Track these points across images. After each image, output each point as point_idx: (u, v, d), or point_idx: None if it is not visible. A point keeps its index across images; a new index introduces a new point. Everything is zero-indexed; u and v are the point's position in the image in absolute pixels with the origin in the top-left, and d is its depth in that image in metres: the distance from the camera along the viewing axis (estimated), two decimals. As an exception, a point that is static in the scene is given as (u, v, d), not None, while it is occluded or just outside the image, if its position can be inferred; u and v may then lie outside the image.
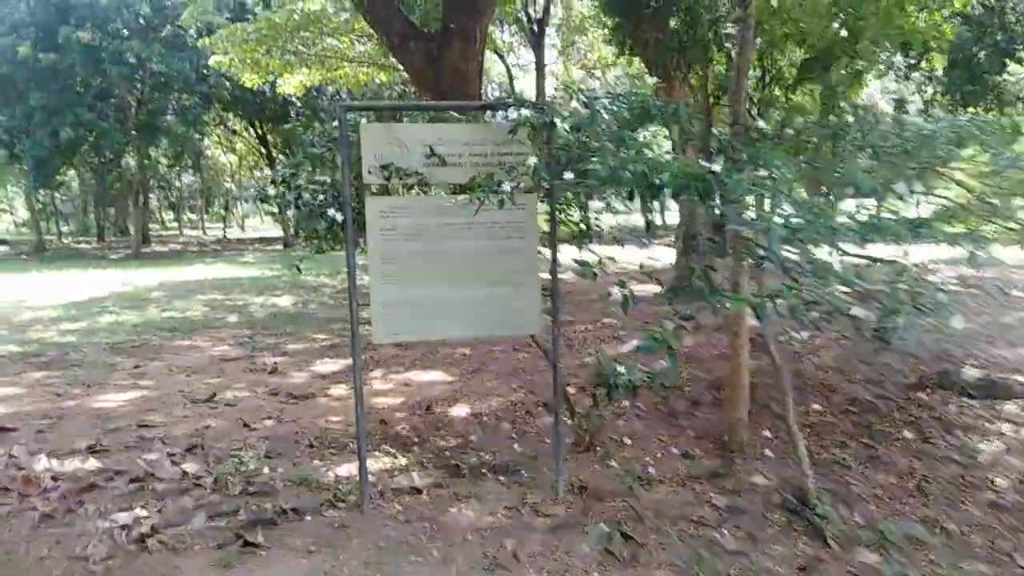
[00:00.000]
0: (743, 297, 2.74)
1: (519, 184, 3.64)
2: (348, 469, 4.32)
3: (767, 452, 4.32)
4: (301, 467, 4.41)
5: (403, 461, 4.50)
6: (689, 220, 12.27)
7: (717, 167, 2.77)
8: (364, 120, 3.89)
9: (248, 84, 19.02)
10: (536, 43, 23.42)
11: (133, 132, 25.93)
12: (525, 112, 3.29)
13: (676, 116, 3.29)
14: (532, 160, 3.17)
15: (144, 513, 3.66)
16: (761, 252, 2.56)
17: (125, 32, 23.46)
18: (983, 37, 16.01)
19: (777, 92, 15.25)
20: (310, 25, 16.78)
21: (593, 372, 4.20)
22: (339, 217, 3.68)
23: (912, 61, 17.13)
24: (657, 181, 2.82)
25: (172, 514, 3.67)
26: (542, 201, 3.87)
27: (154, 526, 3.46)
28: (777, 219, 2.52)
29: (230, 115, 30.23)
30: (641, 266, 3.65)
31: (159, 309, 12.44)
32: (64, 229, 49.21)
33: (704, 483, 4.06)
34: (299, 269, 4.16)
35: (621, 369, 3.78)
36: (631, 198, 2.99)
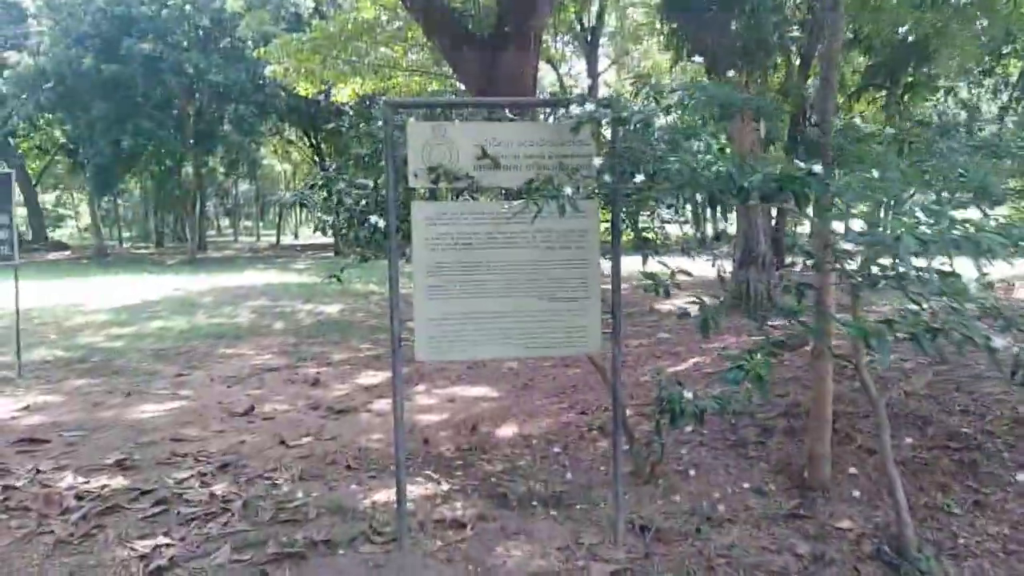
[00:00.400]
0: (861, 325, 2.31)
1: (579, 188, 3.27)
2: (387, 495, 3.99)
3: (854, 492, 3.83)
4: (337, 491, 4.09)
5: (446, 487, 4.15)
6: (748, 230, 11.72)
7: (817, 168, 2.35)
8: (412, 119, 3.57)
9: (302, 93, 19.16)
10: (589, 52, 23.05)
11: (191, 141, 26.42)
12: (590, 107, 2.92)
13: (763, 110, 2.87)
14: (597, 161, 2.80)
15: (166, 541, 3.38)
16: (876, 268, 2.13)
17: (184, 44, 23.92)
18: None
19: (840, 100, 14.57)
20: (363, 34, 16.74)
21: (655, 396, 3.79)
22: (381, 224, 3.36)
23: (988, 67, 16.22)
24: (746, 184, 2.42)
25: (195, 542, 3.39)
26: (603, 208, 3.50)
27: (174, 557, 3.18)
28: (895, 227, 2.08)
29: (285, 124, 30.63)
30: (721, 279, 3.24)
31: (207, 315, 12.43)
32: (125, 235, 50.71)
33: (782, 525, 3.60)
34: (339, 279, 3.86)
35: (687, 394, 3.39)
36: (712, 205, 2.59)
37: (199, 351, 9.04)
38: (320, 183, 3.64)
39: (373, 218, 3.34)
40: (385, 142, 3.29)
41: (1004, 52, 12.96)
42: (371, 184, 3.62)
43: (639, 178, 2.75)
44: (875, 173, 2.33)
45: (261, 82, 23.86)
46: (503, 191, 3.59)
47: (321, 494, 4.03)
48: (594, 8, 21.72)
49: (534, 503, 3.92)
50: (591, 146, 3.40)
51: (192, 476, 4.27)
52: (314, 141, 30.73)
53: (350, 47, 16.73)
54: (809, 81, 13.28)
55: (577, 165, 3.29)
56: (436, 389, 6.70)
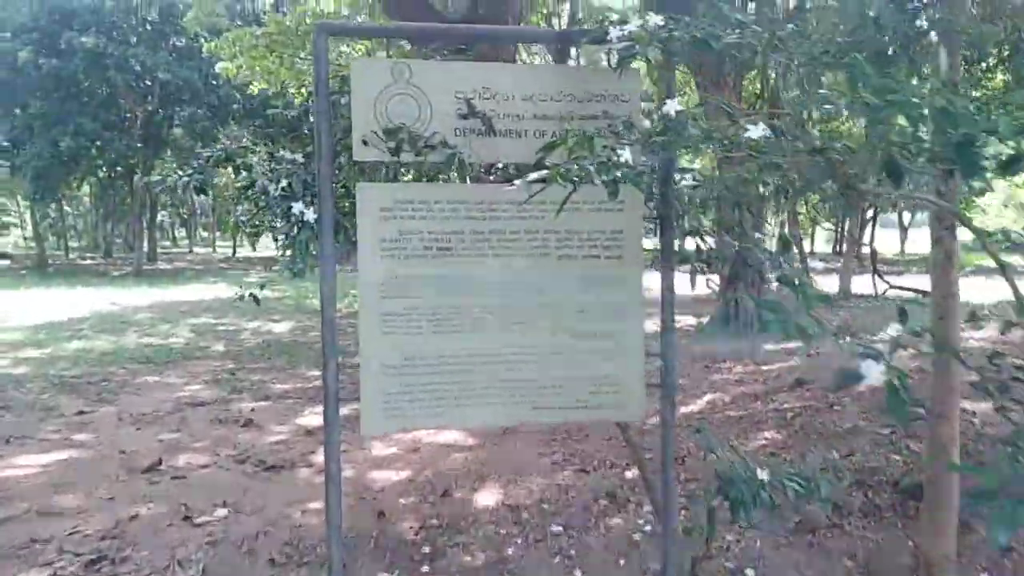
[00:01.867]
0: None
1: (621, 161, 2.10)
2: (322, 614, 2.75)
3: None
4: (250, 606, 2.84)
5: (408, 596, 2.92)
6: (742, 236, 10.70)
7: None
8: (359, 60, 2.36)
9: (256, 93, 17.78)
10: (560, 59, 22.05)
11: (139, 145, 24.73)
12: (653, 20, 1.75)
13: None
14: (674, 105, 1.64)
15: None
16: None
17: (133, 39, 22.35)
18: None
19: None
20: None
21: (716, 478, 2.65)
22: (309, 216, 2.14)
23: None
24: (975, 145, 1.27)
25: None
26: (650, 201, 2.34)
27: None
28: None
29: (237, 128, 29.04)
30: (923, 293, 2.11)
31: (139, 334, 11.00)
32: (73, 245, 48.25)
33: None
34: (257, 300, 2.64)
35: (762, 473, 2.29)
36: (895, 177, 1.43)
37: (117, 379, 7.66)
38: (222, 156, 2.42)
39: (297, 206, 2.12)
40: (317, 87, 2.08)
41: None
42: (299, 158, 2.41)
43: (756, 132, 1.58)
44: None
45: (215, 82, 22.36)
46: (498, 168, 2.41)
47: (225, 613, 2.77)
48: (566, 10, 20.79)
49: (534, 626, 2.72)
50: (634, 100, 2.24)
51: (40, 583, 2.97)
52: (272, 149, 29.17)
53: (308, 43, 15.45)
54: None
55: (613, 129, 2.10)
56: (395, 434, 5.45)
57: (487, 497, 4.10)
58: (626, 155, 1.54)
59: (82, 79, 22.01)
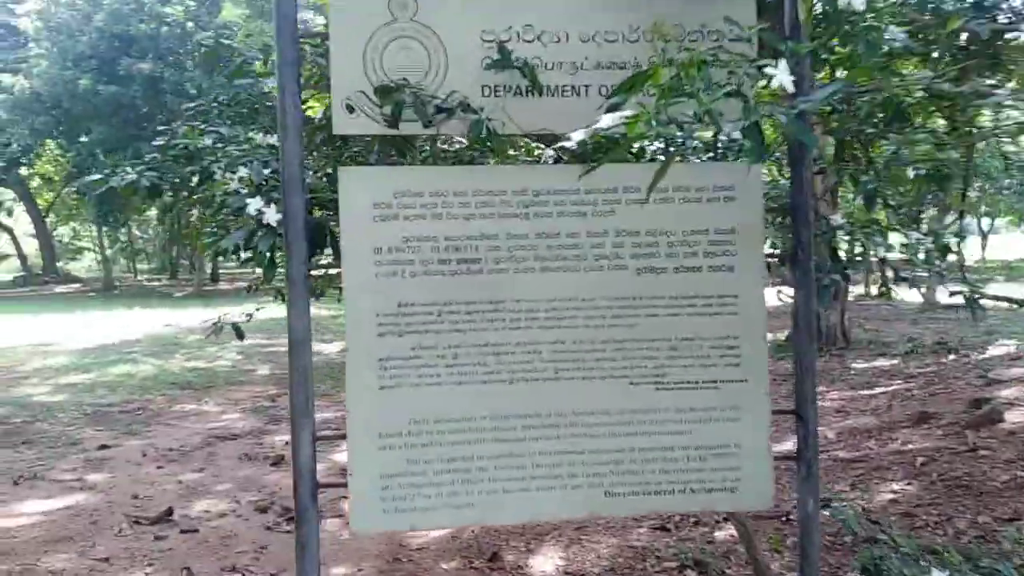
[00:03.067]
0: None
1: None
2: None
3: None
4: None
5: None
6: (815, 242, 9.73)
7: None
8: None
9: (311, 113, 17.58)
10: None
11: (197, 166, 25.00)
12: None
13: None
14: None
15: None
16: None
17: (188, 63, 22.61)
18: None
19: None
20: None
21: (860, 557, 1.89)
22: (271, 216, 1.46)
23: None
24: None
25: None
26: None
27: None
28: None
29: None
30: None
31: (185, 357, 10.69)
32: (143, 267, 49.66)
33: None
34: (240, 334, 2.01)
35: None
36: None
37: (152, 407, 7.25)
38: (169, 143, 1.79)
39: (253, 204, 1.46)
40: (278, 24, 1.41)
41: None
42: (261, 138, 1.76)
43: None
44: None
45: (269, 104, 22.38)
46: (545, 142, 1.70)
47: None
48: None
49: None
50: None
51: None
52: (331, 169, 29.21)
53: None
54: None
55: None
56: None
57: (544, 562, 3.38)
58: (782, 76, 0.81)
59: (140, 104, 22.33)
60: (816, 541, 1.56)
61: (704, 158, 1.83)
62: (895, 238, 2.24)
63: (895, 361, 7.92)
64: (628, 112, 0.86)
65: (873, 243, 1.87)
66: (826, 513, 3.03)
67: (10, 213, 38.57)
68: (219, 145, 1.70)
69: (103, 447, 5.71)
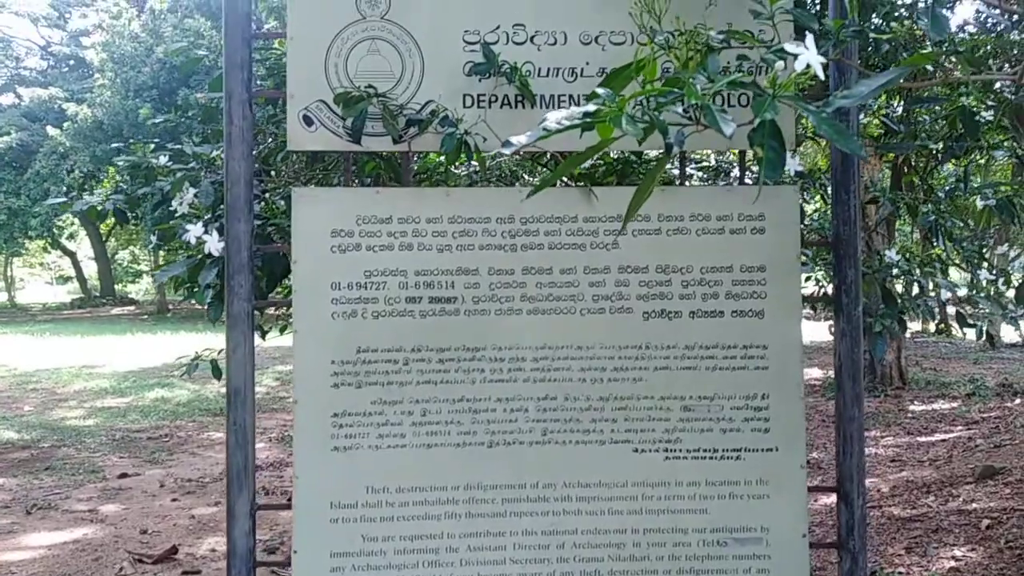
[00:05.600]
0: None
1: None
2: None
3: None
4: None
5: None
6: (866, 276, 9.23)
7: None
8: None
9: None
10: None
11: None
12: None
13: None
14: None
15: None
16: None
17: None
18: None
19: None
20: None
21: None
22: (212, 244, 1.26)
23: None
24: None
25: None
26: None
27: None
28: None
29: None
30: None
31: (222, 383, 10.68)
32: (179, 295, 50.84)
33: None
34: (217, 370, 1.82)
35: None
36: None
37: (180, 435, 7.20)
38: (125, 163, 1.61)
39: (193, 230, 1.25)
40: (226, 20, 1.22)
41: None
42: (208, 152, 1.56)
43: None
44: None
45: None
46: (542, 163, 1.48)
47: None
48: None
49: None
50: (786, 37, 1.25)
51: None
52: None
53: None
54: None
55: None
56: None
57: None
58: (811, 56, 0.57)
59: (182, 134, 23.00)
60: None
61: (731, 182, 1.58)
62: (955, 275, 1.94)
63: (956, 404, 7.39)
64: (590, 107, 0.63)
65: (935, 283, 1.58)
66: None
67: (73, 237, 40.06)
68: (176, 164, 1.52)
69: (123, 475, 5.63)
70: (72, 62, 29.40)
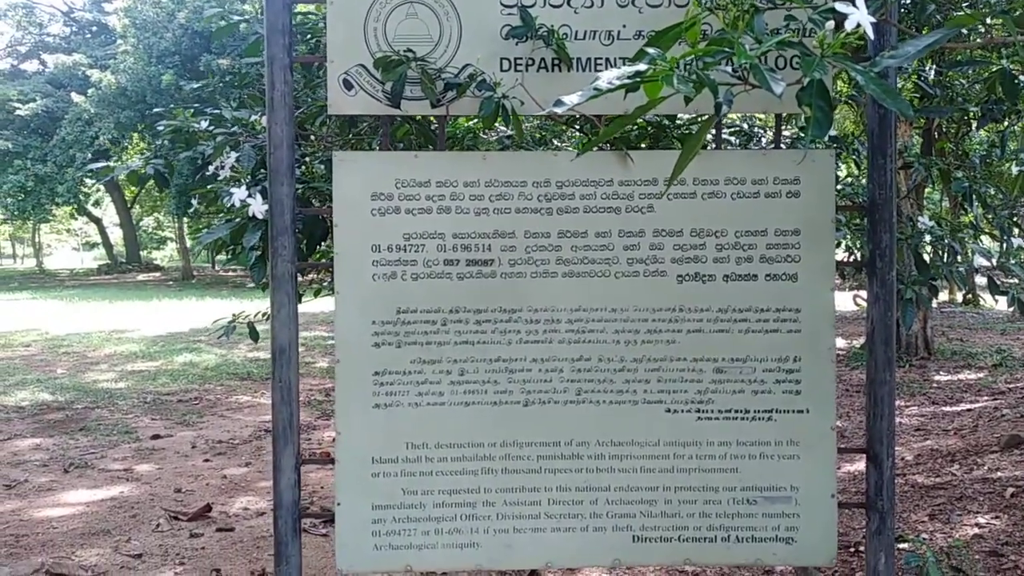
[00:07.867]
0: None
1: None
2: None
3: None
4: None
5: None
6: (891, 244, 9.09)
7: None
8: None
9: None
10: None
11: (270, 160, 25.65)
12: None
13: None
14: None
15: None
16: None
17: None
18: None
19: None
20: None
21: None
22: (256, 207, 1.29)
23: None
24: None
25: None
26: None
27: None
28: None
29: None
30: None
31: (250, 347, 10.84)
32: (223, 257, 51.39)
33: None
34: (254, 333, 1.86)
35: None
36: None
37: (209, 398, 7.34)
38: (166, 128, 1.64)
39: (238, 193, 1.29)
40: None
41: None
42: (247, 120, 1.59)
43: None
44: None
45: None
46: (575, 125, 1.49)
47: None
48: None
49: None
50: None
51: None
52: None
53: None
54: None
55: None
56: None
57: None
58: (861, 15, 0.58)
59: (219, 99, 23.01)
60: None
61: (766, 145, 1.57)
62: (987, 242, 1.93)
63: (982, 375, 7.34)
64: (640, 66, 0.65)
65: (968, 249, 1.57)
66: (902, 546, 2.70)
67: (99, 204, 40.47)
68: (217, 129, 1.55)
69: (156, 436, 5.77)
70: (95, 28, 29.48)
